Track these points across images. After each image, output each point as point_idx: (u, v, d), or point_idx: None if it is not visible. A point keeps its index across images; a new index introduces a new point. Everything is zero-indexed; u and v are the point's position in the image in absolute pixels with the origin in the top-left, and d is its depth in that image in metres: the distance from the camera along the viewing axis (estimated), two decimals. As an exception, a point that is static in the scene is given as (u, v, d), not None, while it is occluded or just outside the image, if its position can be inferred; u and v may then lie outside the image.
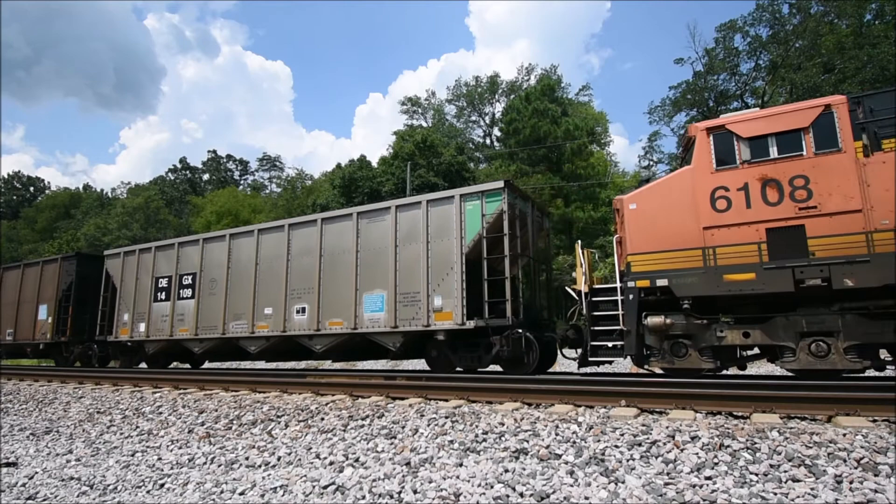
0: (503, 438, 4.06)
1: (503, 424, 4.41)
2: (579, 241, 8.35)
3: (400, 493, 3.34)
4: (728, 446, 3.48)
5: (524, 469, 3.44)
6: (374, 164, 37.03)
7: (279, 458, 4.33)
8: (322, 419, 5.29)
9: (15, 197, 65.01)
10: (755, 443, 3.50)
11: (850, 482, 2.88)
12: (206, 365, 15.02)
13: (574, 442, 3.84)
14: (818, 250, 5.92)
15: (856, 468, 3.05)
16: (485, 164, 39.44)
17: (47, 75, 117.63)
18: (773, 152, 6.33)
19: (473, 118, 46.74)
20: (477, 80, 45.72)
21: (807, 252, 5.96)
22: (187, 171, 62.79)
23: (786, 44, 28.39)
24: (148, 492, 4.01)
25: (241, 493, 3.69)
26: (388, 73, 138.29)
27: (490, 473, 3.42)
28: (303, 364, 17.01)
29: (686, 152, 7.41)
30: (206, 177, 63.72)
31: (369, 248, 9.70)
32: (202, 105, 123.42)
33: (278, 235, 10.94)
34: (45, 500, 4.08)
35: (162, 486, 4.08)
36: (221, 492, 3.78)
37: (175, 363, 14.59)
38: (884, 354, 6.19)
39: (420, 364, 13.44)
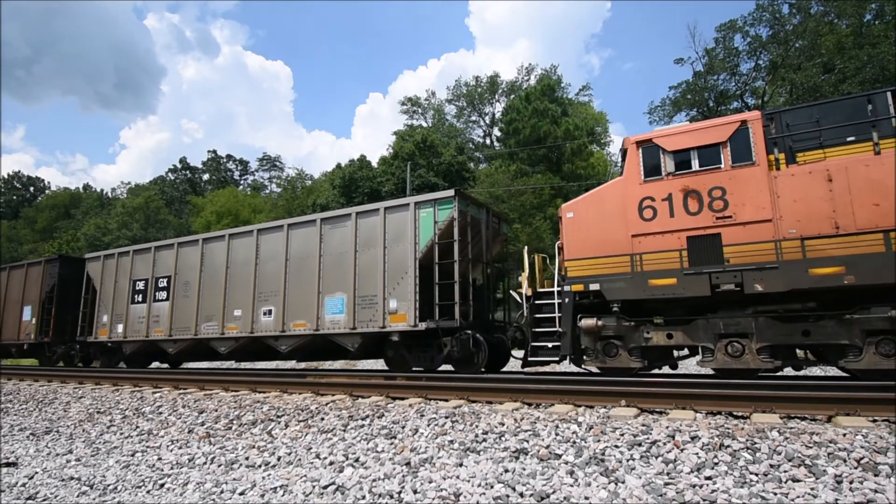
0: (503, 438, 4.06)
1: (503, 424, 4.40)
2: (526, 248, 8.83)
3: (400, 493, 3.34)
4: (728, 446, 3.48)
5: (524, 469, 3.44)
6: (374, 164, 37.03)
7: (279, 458, 4.33)
8: (322, 419, 5.29)
9: (15, 197, 65.02)
10: (755, 443, 3.50)
11: (850, 482, 2.88)
12: (191, 365, 15.39)
13: (574, 442, 3.84)
14: (732, 257, 6.31)
15: (856, 468, 3.05)
16: (485, 164, 39.45)
17: (47, 74, 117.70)
18: (695, 165, 6.73)
19: (473, 118, 46.78)
20: (477, 80, 45.74)
21: (722, 259, 6.35)
22: (187, 171, 62.79)
23: (786, 44, 28.39)
24: (148, 492, 4.01)
25: (241, 493, 3.69)
26: (388, 73, 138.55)
27: (490, 473, 3.42)
28: (303, 365, 16.99)
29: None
30: (206, 177, 63.73)
31: (332, 253, 10.10)
32: (202, 105, 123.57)
33: (248, 240, 11.37)
34: (45, 500, 4.08)
35: (162, 486, 4.08)
36: (221, 492, 3.78)
37: (155, 363, 14.93)
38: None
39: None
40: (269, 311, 10.68)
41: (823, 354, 6.42)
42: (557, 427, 4.17)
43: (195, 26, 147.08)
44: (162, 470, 4.45)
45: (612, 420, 4.34)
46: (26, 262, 16.24)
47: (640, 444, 3.65)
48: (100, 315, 13.84)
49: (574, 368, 8.42)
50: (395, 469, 3.72)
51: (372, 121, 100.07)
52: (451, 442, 4.10)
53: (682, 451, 3.47)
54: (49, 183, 68.61)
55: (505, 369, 9.86)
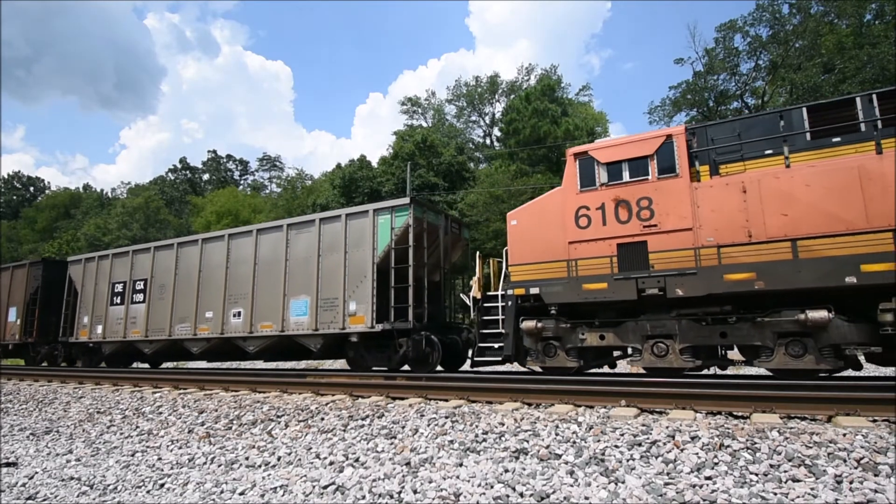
0: (503, 438, 4.06)
1: (503, 424, 4.40)
2: (478, 252, 9.34)
3: (400, 493, 3.34)
4: (728, 446, 3.48)
5: (524, 469, 3.44)
6: (375, 164, 37.01)
7: (279, 458, 4.33)
8: (322, 419, 5.29)
9: (15, 197, 65.00)
10: (755, 443, 3.50)
11: (850, 482, 2.87)
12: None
13: (574, 442, 3.84)
14: (657, 263, 6.70)
15: (856, 468, 3.05)
16: (485, 164, 39.42)
17: (47, 74, 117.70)
18: (626, 176, 7.11)
19: (473, 118, 46.72)
20: (477, 80, 45.69)
21: (648, 265, 6.74)
22: (187, 171, 62.79)
23: (786, 44, 28.37)
24: (148, 492, 4.01)
25: (241, 493, 3.69)
26: (388, 73, 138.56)
27: (490, 473, 3.42)
28: (303, 364, 17.03)
29: None
30: (206, 177, 63.73)
31: (297, 258, 10.52)
32: (202, 105, 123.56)
33: (219, 245, 11.84)
34: (45, 500, 4.08)
35: (162, 486, 4.08)
36: (221, 492, 3.78)
37: (136, 363, 15.31)
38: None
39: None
40: (239, 313, 11.11)
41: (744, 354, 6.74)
42: (557, 427, 4.17)
43: (195, 26, 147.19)
44: (162, 470, 4.45)
45: (612, 420, 4.34)
46: (11, 265, 16.67)
47: (640, 444, 3.65)
48: (80, 316, 14.27)
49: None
50: (395, 469, 3.72)
51: (372, 121, 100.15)
52: (451, 442, 4.10)
53: (682, 451, 3.47)
54: (49, 183, 68.70)
55: (503, 368, 9.98)
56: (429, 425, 4.60)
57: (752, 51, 30.44)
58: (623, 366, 8.93)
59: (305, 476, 3.83)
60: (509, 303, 7.74)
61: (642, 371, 7.73)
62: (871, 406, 4.15)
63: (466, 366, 10.08)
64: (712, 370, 7.47)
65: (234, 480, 3.96)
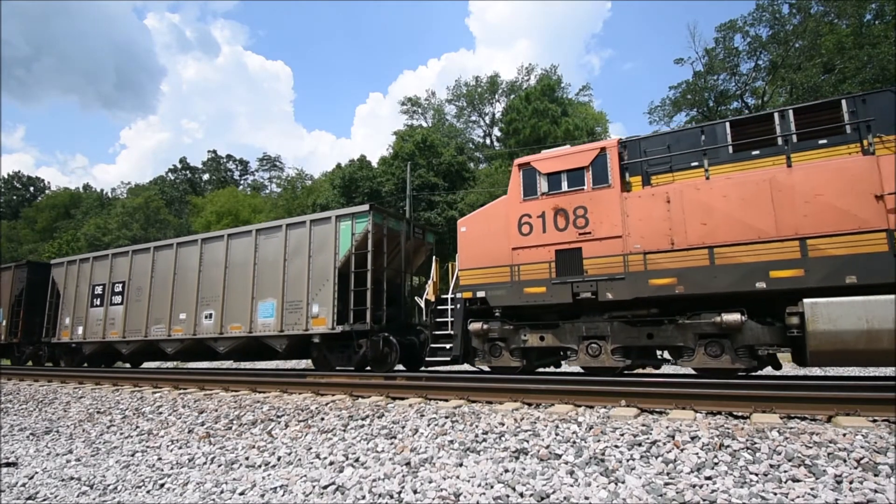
0: (503, 438, 4.06)
1: (503, 424, 4.40)
2: (435, 257, 9.86)
3: (400, 493, 3.34)
4: (728, 446, 3.48)
5: (524, 469, 3.44)
6: (375, 164, 36.99)
7: (279, 458, 4.33)
8: (322, 419, 5.29)
9: (15, 197, 64.99)
10: (755, 443, 3.50)
11: (850, 482, 2.88)
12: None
13: (574, 442, 3.84)
14: (590, 269, 7.06)
15: (856, 468, 3.05)
16: (485, 164, 39.41)
17: (47, 73, 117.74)
18: (564, 186, 7.46)
19: (473, 118, 46.70)
20: (477, 80, 45.68)
21: (582, 270, 7.10)
22: (187, 171, 62.79)
23: (786, 44, 28.37)
24: (148, 492, 4.01)
25: (241, 493, 3.69)
26: (389, 73, 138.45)
27: (490, 473, 3.42)
28: (303, 364, 17.03)
29: None
30: (206, 177, 63.72)
31: (265, 262, 10.93)
32: (202, 105, 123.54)
33: (193, 249, 12.23)
34: (45, 500, 4.08)
35: (162, 486, 4.08)
36: (221, 492, 3.78)
37: (119, 363, 15.66)
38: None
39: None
40: (210, 315, 11.52)
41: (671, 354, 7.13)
42: (557, 427, 4.17)
43: (195, 26, 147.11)
44: (162, 470, 4.45)
45: (612, 420, 4.34)
46: None
47: (640, 444, 3.65)
48: (62, 318, 14.74)
49: (576, 368, 8.54)
50: (395, 469, 3.72)
51: (372, 121, 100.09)
52: (451, 442, 4.10)
53: (682, 451, 3.47)
54: (49, 183, 68.64)
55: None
56: (429, 425, 4.60)
57: (752, 51, 30.44)
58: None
59: (305, 476, 3.83)
60: (458, 305, 8.22)
61: (642, 371, 7.98)
62: (871, 406, 4.16)
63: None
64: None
65: (234, 480, 3.96)
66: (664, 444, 3.61)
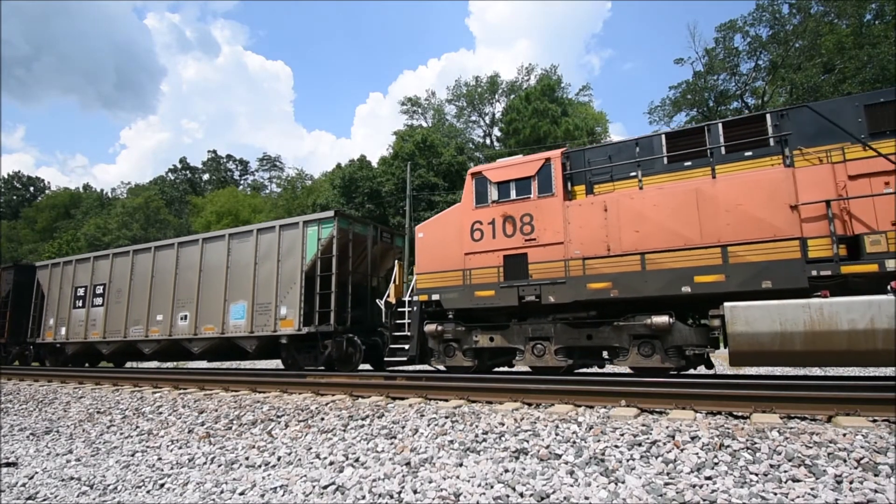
0: (503, 438, 4.06)
1: (503, 424, 4.40)
2: (397, 261, 10.31)
3: (400, 493, 3.34)
4: (728, 446, 3.48)
5: (524, 469, 3.44)
6: (375, 164, 37.00)
7: (279, 458, 4.33)
8: (322, 419, 5.29)
9: (15, 197, 65.00)
10: (755, 443, 3.50)
11: (850, 482, 2.87)
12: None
13: (574, 442, 3.84)
14: (535, 273, 7.39)
15: (856, 468, 3.05)
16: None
17: (47, 73, 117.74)
18: (513, 194, 7.79)
19: (473, 118, 46.72)
20: (477, 80, 45.70)
21: (527, 275, 7.42)
22: (187, 171, 62.82)
23: (786, 44, 28.38)
24: (148, 492, 4.01)
25: (241, 493, 3.69)
26: (389, 73, 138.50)
27: (490, 473, 3.42)
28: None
29: None
30: (206, 177, 63.76)
31: (237, 265, 11.31)
32: (202, 105, 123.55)
33: (170, 252, 12.61)
34: (45, 500, 4.08)
35: (162, 486, 4.08)
36: (221, 492, 3.78)
37: (104, 362, 15.84)
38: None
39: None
40: (185, 316, 11.88)
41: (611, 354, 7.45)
42: (557, 427, 4.17)
43: (195, 26, 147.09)
44: (162, 470, 4.45)
45: (612, 420, 4.33)
46: None
47: (640, 444, 3.65)
48: (47, 318, 15.11)
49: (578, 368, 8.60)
50: (395, 469, 3.72)
51: (372, 121, 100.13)
52: (451, 442, 4.10)
53: (682, 451, 3.47)
54: (49, 183, 68.68)
55: (502, 368, 10.08)
56: (429, 425, 4.60)
57: (752, 51, 30.47)
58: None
59: (305, 476, 3.82)
60: (414, 308, 8.55)
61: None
62: (871, 406, 4.16)
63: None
64: (713, 370, 7.62)
65: (234, 480, 3.96)
66: (664, 444, 3.61)
